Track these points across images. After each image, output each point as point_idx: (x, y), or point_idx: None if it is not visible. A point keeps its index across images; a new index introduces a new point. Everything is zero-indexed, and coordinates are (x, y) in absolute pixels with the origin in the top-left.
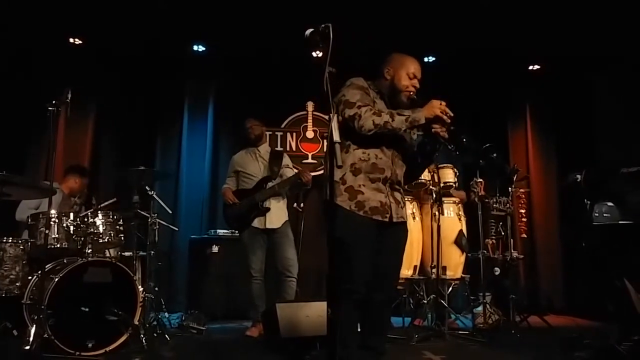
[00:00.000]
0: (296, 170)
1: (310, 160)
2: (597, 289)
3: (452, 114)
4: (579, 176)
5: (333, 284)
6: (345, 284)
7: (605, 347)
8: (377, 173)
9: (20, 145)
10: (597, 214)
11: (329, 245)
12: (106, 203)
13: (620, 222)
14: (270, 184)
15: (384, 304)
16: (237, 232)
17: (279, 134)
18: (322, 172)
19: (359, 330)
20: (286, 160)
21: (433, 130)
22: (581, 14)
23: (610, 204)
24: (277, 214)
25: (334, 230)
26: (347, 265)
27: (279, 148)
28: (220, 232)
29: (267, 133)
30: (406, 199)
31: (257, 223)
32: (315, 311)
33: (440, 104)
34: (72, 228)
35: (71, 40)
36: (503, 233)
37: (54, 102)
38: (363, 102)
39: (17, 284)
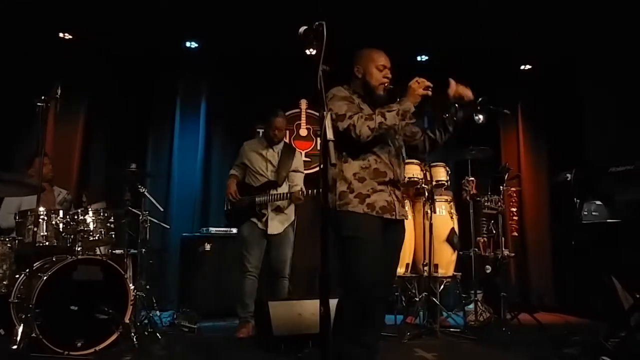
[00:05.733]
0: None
1: (303, 158)
2: (586, 286)
3: (431, 85)
4: (569, 175)
5: (326, 282)
6: (360, 285)
7: (593, 343)
8: (381, 177)
9: (8, 142)
10: (586, 213)
11: (322, 244)
12: (95, 206)
13: (608, 220)
14: (273, 193)
15: (381, 301)
16: (231, 229)
17: None
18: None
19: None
20: (297, 161)
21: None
22: (572, 14)
23: (599, 202)
24: (280, 219)
25: (346, 231)
26: (360, 264)
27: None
28: (213, 230)
29: (260, 130)
30: None
31: (258, 223)
32: (308, 309)
33: (418, 83)
34: (61, 225)
35: (61, 34)
36: (494, 231)
37: (43, 97)
38: (352, 111)
39: (4, 282)
